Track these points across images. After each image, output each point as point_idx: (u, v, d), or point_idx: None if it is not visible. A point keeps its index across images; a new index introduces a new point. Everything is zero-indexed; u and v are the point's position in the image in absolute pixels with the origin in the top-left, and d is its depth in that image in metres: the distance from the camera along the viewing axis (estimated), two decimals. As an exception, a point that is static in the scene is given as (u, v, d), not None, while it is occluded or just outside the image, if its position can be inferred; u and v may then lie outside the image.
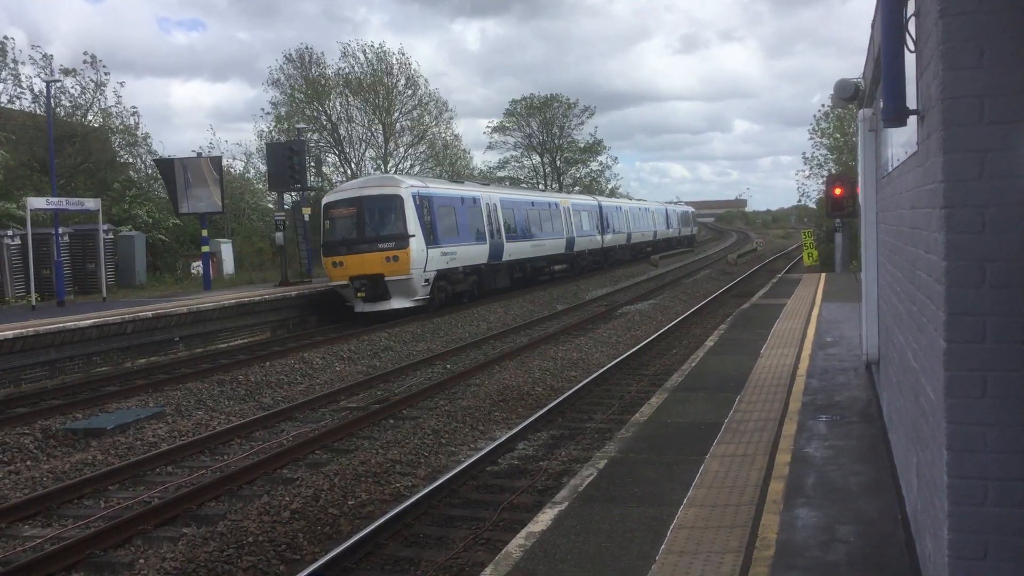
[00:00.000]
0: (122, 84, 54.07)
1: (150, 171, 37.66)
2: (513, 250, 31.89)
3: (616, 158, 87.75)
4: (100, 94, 36.59)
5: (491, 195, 31.71)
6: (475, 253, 28.73)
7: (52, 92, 33.20)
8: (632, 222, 52.29)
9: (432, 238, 25.51)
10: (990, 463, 3.27)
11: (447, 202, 27.56)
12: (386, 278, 24.23)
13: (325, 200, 26.59)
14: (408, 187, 25.44)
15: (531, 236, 34.32)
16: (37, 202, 24.57)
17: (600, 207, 46.11)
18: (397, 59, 50.48)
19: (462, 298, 28.04)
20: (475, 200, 29.84)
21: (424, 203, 25.67)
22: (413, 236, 24.60)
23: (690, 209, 76.12)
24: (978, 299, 3.26)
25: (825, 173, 42.48)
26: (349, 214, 25.23)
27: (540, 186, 67.02)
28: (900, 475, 6.06)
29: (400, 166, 51.48)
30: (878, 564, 5.31)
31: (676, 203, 73.55)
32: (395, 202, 24.86)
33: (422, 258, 24.84)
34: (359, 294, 24.49)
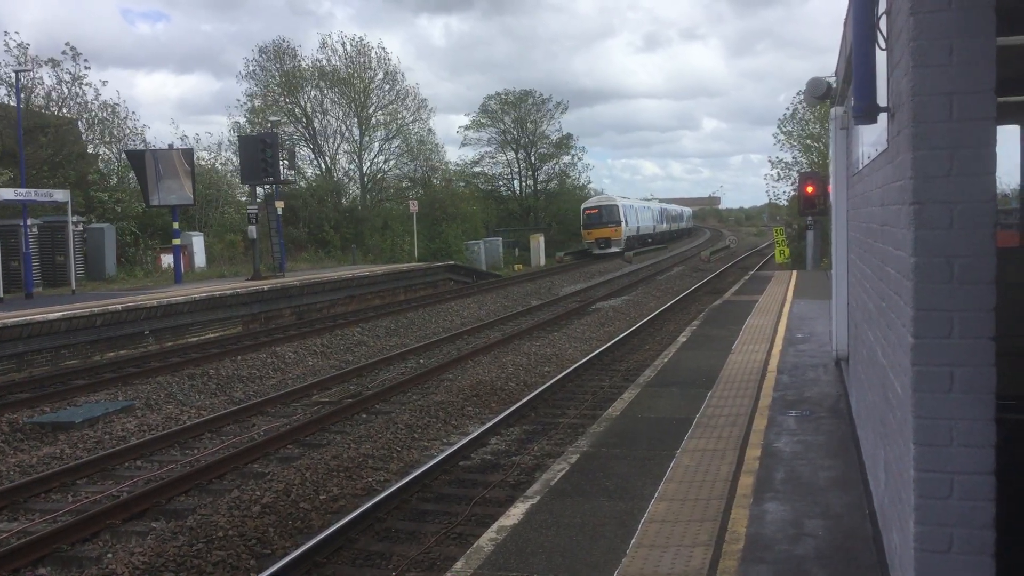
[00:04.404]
0: (104, 83, 53.18)
1: (122, 162, 37.19)
2: (640, 229, 62.20)
3: (585, 148, 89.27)
4: (79, 86, 36.04)
5: (636, 203, 65.13)
6: (635, 230, 59.51)
7: (24, 83, 32.68)
8: (671, 217, 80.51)
9: (626, 221, 55.87)
10: (956, 457, 3.30)
11: (630, 206, 59.47)
12: (611, 239, 53.91)
13: (584, 205, 57.35)
14: (619, 199, 57.55)
15: (645, 223, 64.76)
16: (5, 193, 24.21)
17: (662, 208, 76.96)
18: (376, 53, 50.26)
19: (627, 250, 54.32)
20: (634, 207, 62.07)
21: (624, 207, 56.85)
22: (622, 222, 55.05)
23: (689, 209, 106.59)
24: (946, 295, 3.29)
25: (794, 174, 42.83)
26: (596, 212, 55.05)
27: (515, 182, 68.64)
28: (868, 470, 6.12)
29: (374, 161, 51.34)
30: (846, 557, 5.36)
31: (677, 204, 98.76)
32: (615, 207, 55.36)
33: (625, 231, 55.19)
34: (600, 246, 53.78)
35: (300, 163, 47.52)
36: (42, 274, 27.42)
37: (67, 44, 35.60)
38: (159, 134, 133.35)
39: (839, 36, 8.93)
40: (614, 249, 53.04)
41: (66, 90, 35.79)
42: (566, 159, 69.70)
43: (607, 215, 54.52)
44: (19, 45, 33.85)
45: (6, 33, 45.74)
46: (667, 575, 5.23)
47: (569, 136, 69.09)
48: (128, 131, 38.24)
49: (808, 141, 42.72)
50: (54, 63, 34.83)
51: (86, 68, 36.54)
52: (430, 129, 53.88)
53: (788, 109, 45.26)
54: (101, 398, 14.39)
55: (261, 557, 7.74)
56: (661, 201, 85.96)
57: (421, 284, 34.29)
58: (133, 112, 37.48)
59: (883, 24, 4.09)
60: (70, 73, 35.45)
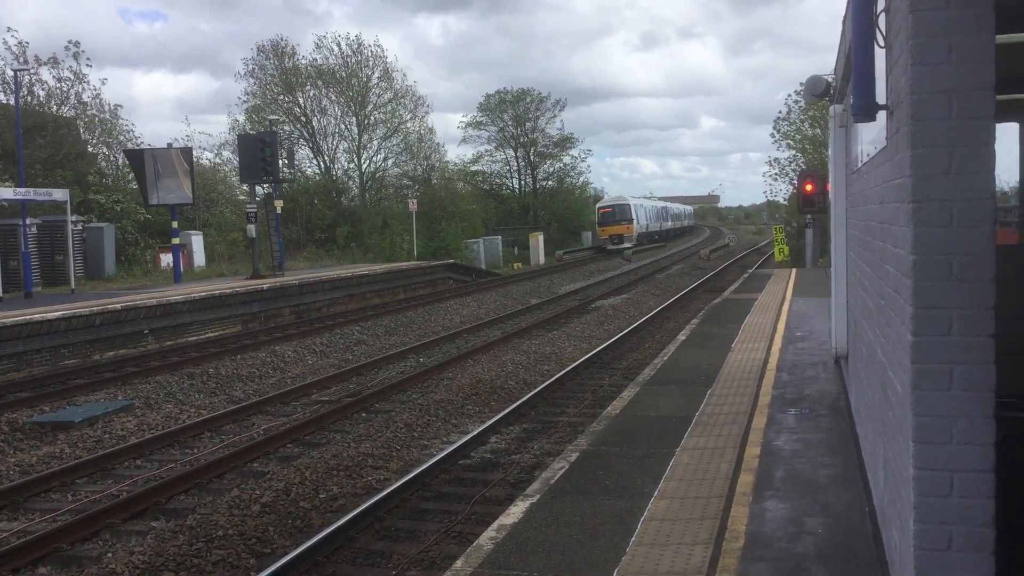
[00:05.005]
0: (104, 82, 52.85)
1: (121, 162, 37.12)
2: (649, 227, 66.13)
3: (591, 150, 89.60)
4: (80, 84, 35.88)
5: (646, 202, 70.98)
6: (645, 227, 63.43)
7: (24, 81, 32.61)
8: (675, 215, 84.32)
9: (637, 220, 59.81)
10: (956, 455, 3.31)
11: (640, 206, 63.84)
12: (623, 235, 57.62)
13: (598, 204, 62.30)
14: (631, 199, 62.22)
15: (653, 221, 68.85)
16: (4, 192, 24.21)
17: (666, 207, 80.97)
18: (372, 51, 50.21)
19: (639, 246, 59.33)
20: (643, 206, 66.45)
21: (636, 206, 61.00)
22: (634, 220, 58.95)
23: (690, 208, 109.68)
24: (945, 293, 3.29)
25: (792, 172, 42.78)
26: (610, 211, 59.08)
27: (514, 180, 68.83)
28: (868, 467, 6.13)
29: (373, 159, 51.34)
30: (846, 555, 5.36)
31: (678, 203, 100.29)
32: (628, 207, 59.41)
33: (636, 228, 59.06)
34: (613, 242, 57.04)
35: (299, 162, 47.48)
36: (41, 273, 27.43)
37: (70, 41, 35.25)
38: (167, 133, 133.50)
39: (836, 35, 8.93)
40: (626, 245, 57.58)
41: (66, 88, 35.70)
42: (567, 159, 69.93)
43: (620, 214, 59.07)
44: (19, 43, 33.77)
45: (8, 29, 45.47)
46: (667, 573, 5.23)
47: (571, 137, 69.29)
48: (114, 127, 38.04)
49: (805, 144, 42.68)
50: (55, 62, 34.73)
51: (88, 66, 36.34)
52: (430, 128, 53.83)
53: (781, 112, 45.01)
54: (100, 397, 14.39)
55: (261, 556, 7.74)
56: (663, 200, 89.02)
57: (420, 283, 34.29)
58: (119, 105, 36.66)
59: (882, 22, 4.09)
60: (72, 71, 35.36)
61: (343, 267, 34.56)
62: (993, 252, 3.23)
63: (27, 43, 33.90)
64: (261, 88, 48.39)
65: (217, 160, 45.49)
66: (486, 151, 67.57)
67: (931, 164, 3.29)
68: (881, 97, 4.13)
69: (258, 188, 31.35)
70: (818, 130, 39.77)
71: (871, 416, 5.49)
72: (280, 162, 29.18)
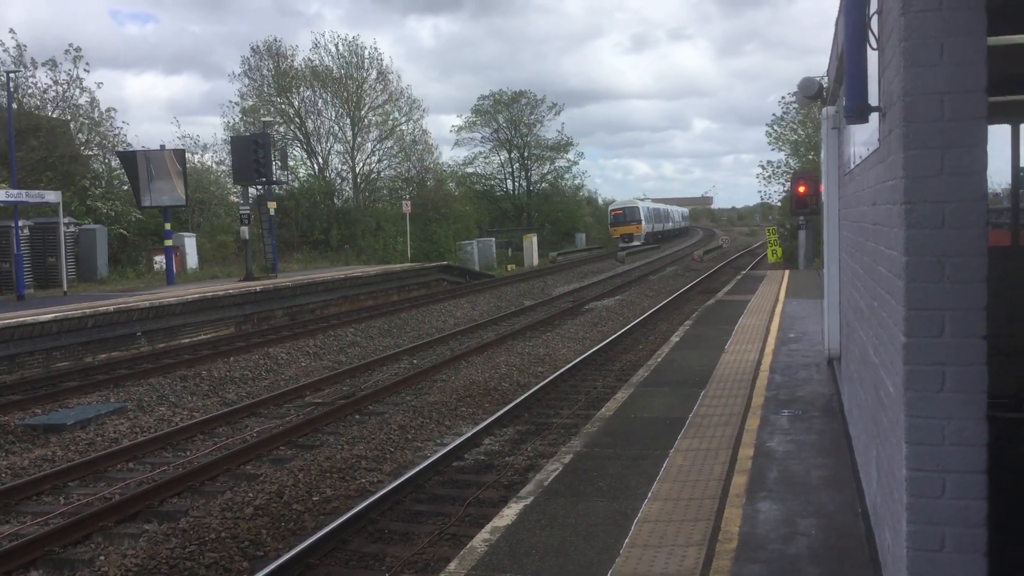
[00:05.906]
0: (99, 85, 52.71)
1: (114, 164, 36.98)
2: (655, 227, 71.62)
3: (583, 153, 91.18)
4: (77, 88, 35.74)
5: (653, 204, 76.24)
6: (651, 228, 68.35)
7: (17, 83, 32.48)
8: (673, 217, 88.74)
9: (645, 220, 66.03)
10: (948, 456, 3.31)
11: (647, 207, 70.08)
12: (633, 234, 63.76)
13: (611, 207, 69.13)
14: (640, 202, 70.22)
15: (658, 222, 74.20)
16: (-4, 194, 24.13)
17: (668, 209, 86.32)
18: (369, 52, 50.20)
19: (647, 244, 65.09)
20: (649, 207, 71.52)
21: (644, 208, 67.57)
22: (642, 220, 65.39)
23: (686, 209, 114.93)
24: (937, 294, 3.30)
25: (786, 173, 42.89)
26: (621, 213, 65.79)
27: (508, 182, 69.16)
28: (860, 468, 6.14)
29: (367, 161, 51.32)
30: (838, 556, 5.37)
31: (673, 204, 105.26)
32: (636, 208, 66.31)
33: (644, 228, 65.33)
34: (624, 240, 62.49)
35: (293, 163, 47.39)
36: (33, 275, 27.30)
37: (71, 45, 35.11)
38: (159, 134, 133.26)
39: (826, 37, 8.96)
40: (635, 243, 63.74)
41: (61, 91, 35.55)
42: (562, 162, 70.29)
43: (630, 215, 66.03)
44: (17, 46, 33.60)
45: (11, 31, 45.24)
46: (661, 575, 5.23)
47: (569, 142, 69.74)
48: (108, 130, 37.90)
49: (798, 143, 42.79)
50: (53, 64, 34.61)
51: (86, 71, 36.18)
52: (424, 130, 53.83)
53: (776, 114, 45.21)
54: (93, 400, 14.34)
55: (254, 559, 7.72)
56: (660, 201, 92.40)
57: (414, 284, 34.26)
58: (112, 108, 36.54)
59: (874, 24, 4.10)
60: (68, 74, 35.21)
61: (336, 269, 34.53)
62: (985, 253, 3.24)
63: (25, 46, 33.79)
64: (255, 89, 48.37)
65: (208, 161, 45.39)
66: (480, 153, 67.78)
67: (923, 166, 3.30)
68: (874, 99, 4.14)
69: (251, 189, 31.28)
70: (812, 131, 39.89)
71: (864, 417, 5.50)
72: (273, 164, 29.13)
